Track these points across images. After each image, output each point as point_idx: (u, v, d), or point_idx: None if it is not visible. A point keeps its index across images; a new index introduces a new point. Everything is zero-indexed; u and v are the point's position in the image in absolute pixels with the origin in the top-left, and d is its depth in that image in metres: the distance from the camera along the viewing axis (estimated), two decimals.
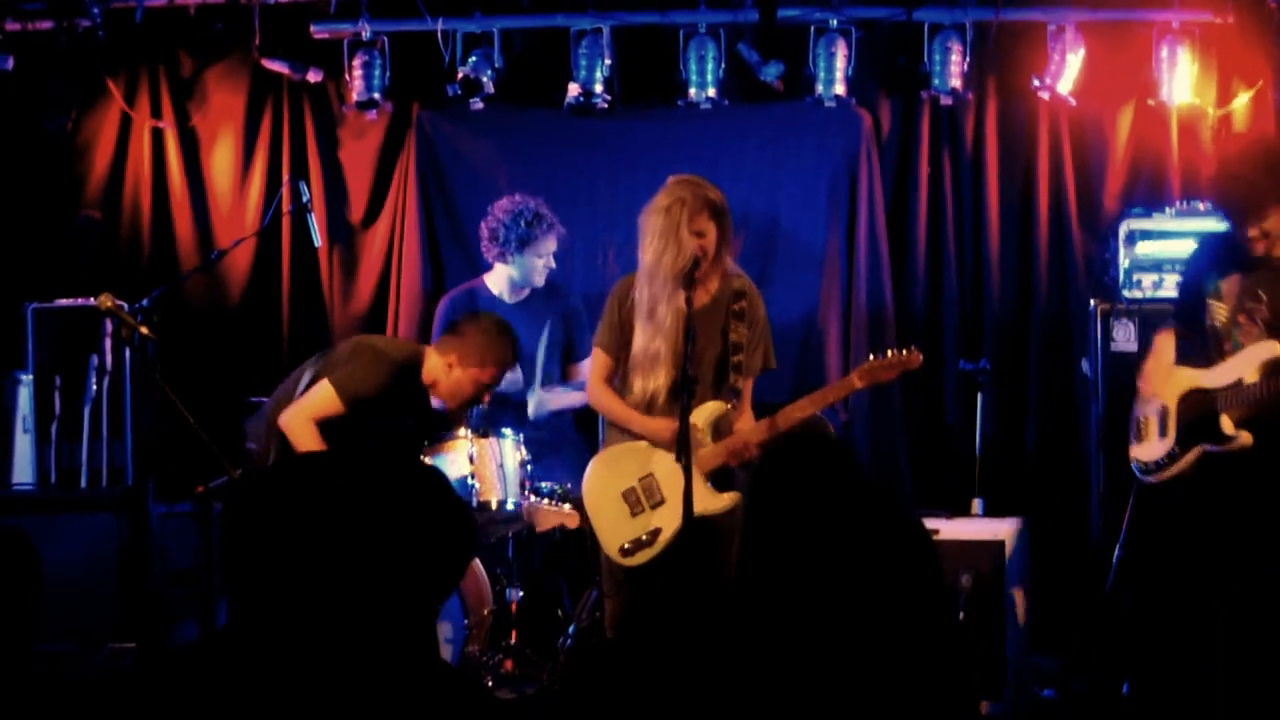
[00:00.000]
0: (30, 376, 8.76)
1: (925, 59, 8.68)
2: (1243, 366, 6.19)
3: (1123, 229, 8.11)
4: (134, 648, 7.59)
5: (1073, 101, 8.60)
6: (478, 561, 7.51)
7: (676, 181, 6.54)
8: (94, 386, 8.69)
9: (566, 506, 7.65)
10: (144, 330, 6.54)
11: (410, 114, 9.29)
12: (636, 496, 6.53)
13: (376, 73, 9.01)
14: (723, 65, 8.86)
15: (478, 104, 8.96)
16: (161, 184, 9.47)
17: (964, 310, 8.93)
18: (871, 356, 6.51)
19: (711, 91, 8.85)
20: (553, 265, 8.25)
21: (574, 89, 8.88)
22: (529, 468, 7.64)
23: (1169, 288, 7.73)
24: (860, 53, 8.78)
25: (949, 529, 7.50)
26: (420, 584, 2.91)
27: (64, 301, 8.79)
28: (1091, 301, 8.04)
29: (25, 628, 3.62)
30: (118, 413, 8.73)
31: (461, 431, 7.63)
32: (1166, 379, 6.44)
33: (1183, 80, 8.48)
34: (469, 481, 7.53)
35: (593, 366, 6.80)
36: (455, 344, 7.21)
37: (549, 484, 7.84)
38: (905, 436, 8.88)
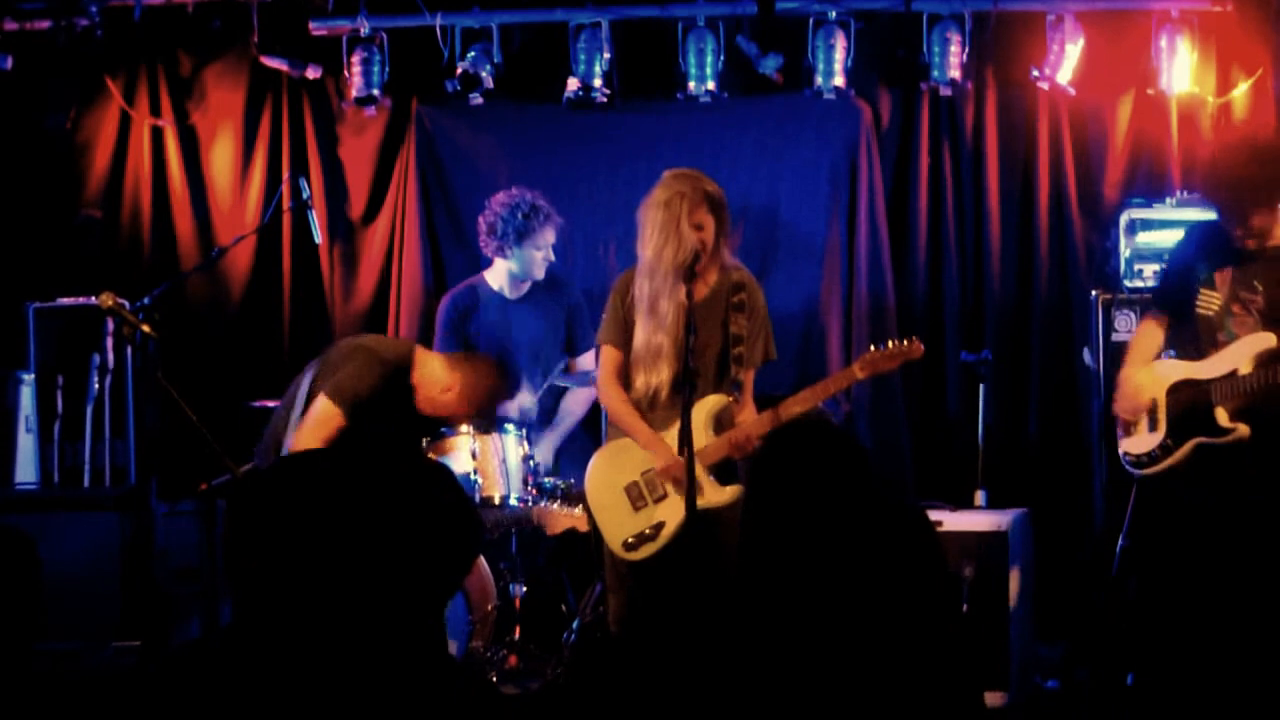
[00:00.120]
0: (32, 376, 8.77)
1: (924, 50, 8.67)
2: (1237, 358, 6.15)
3: (1124, 219, 8.10)
4: (138, 646, 7.59)
5: (1072, 91, 8.59)
6: (481, 557, 7.50)
7: (674, 175, 6.53)
8: (96, 385, 8.70)
9: (578, 510, 7.64)
10: (145, 328, 6.53)
11: (410, 110, 9.29)
12: (639, 491, 6.52)
13: (375, 69, 9.01)
14: (722, 58, 8.85)
15: (477, 99, 8.95)
16: (161, 182, 9.47)
17: (965, 301, 8.92)
18: (873, 347, 6.51)
19: (711, 84, 8.84)
20: (552, 258, 8.25)
21: (573, 83, 8.88)
22: (532, 463, 7.64)
23: None
24: (859, 44, 8.77)
25: (952, 520, 7.50)
26: (427, 580, 2.92)
27: (65, 301, 8.79)
28: (1093, 292, 8.03)
29: (25, 627, 3.62)
30: (120, 411, 8.73)
31: (464, 428, 7.63)
32: (1152, 370, 6.40)
33: (1182, 69, 8.46)
34: (472, 477, 7.54)
35: (602, 363, 6.77)
36: (466, 374, 7.13)
37: (552, 480, 7.84)
38: (907, 428, 8.88)
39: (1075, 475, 8.40)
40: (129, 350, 8.52)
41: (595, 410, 8.20)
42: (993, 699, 7.24)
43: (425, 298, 9.07)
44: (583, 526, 7.53)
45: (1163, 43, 8.46)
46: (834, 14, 8.72)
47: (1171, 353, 6.48)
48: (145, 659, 6.89)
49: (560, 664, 7.41)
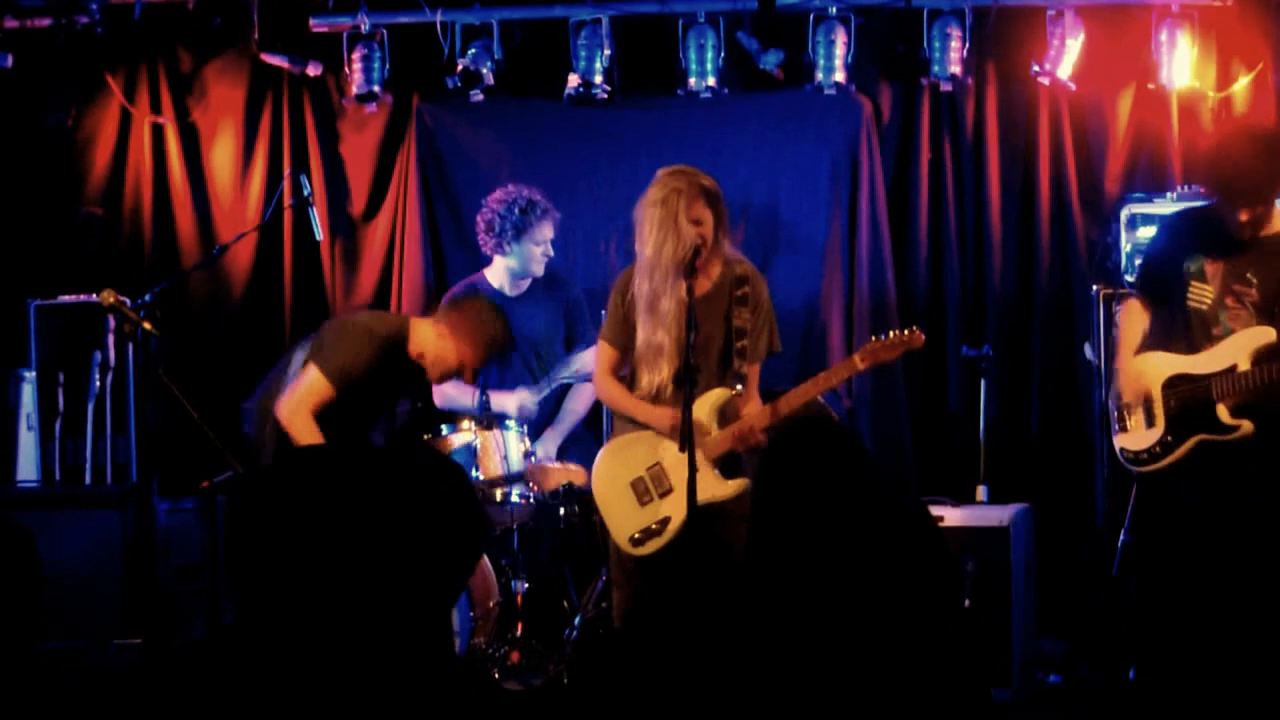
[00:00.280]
0: (33, 373, 8.77)
1: (925, 45, 8.67)
2: (1235, 352, 6.12)
3: (1124, 213, 8.10)
4: (140, 644, 7.60)
5: (1073, 86, 8.59)
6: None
7: (669, 173, 6.52)
8: (97, 383, 8.70)
9: (573, 465, 7.66)
10: (147, 326, 6.54)
11: (410, 106, 9.29)
12: (645, 485, 6.52)
13: (376, 65, 9.01)
14: (722, 54, 8.85)
15: (478, 96, 8.96)
16: (162, 179, 9.47)
17: (966, 296, 8.92)
18: (874, 337, 6.50)
19: (711, 80, 8.84)
20: (550, 253, 8.25)
21: (574, 79, 8.88)
22: (533, 459, 7.65)
23: None
24: (860, 39, 8.77)
25: (954, 515, 7.51)
26: (432, 578, 2.92)
27: (66, 298, 8.80)
28: (1094, 286, 8.03)
29: (26, 625, 3.62)
30: (121, 409, 8.73)
31: (465, 424, 7.64)
32: (1146, 363, 6.38)
33: (1182, 63, 8.46)
34: (473, 473, 7.54)
35: (598, 359, 6.78)
36: (449, 316, 7.13)
37: None
38: (909, 424, 8.88)
39: (1077, 470, 8.40)
40: (130, 348, 8.52)
41: (598, 408, 8.20)
42: (995, 694, 7.25)
43: (426, 294, 9.07)
44: (578, 480, 7.55)
45: (1163, 37, 8.46)
46: (834, 9, 8.71)
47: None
48: (146, 657, 6.90)
49: (562, 660, 7.41)
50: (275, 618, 2.82)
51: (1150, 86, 8.58)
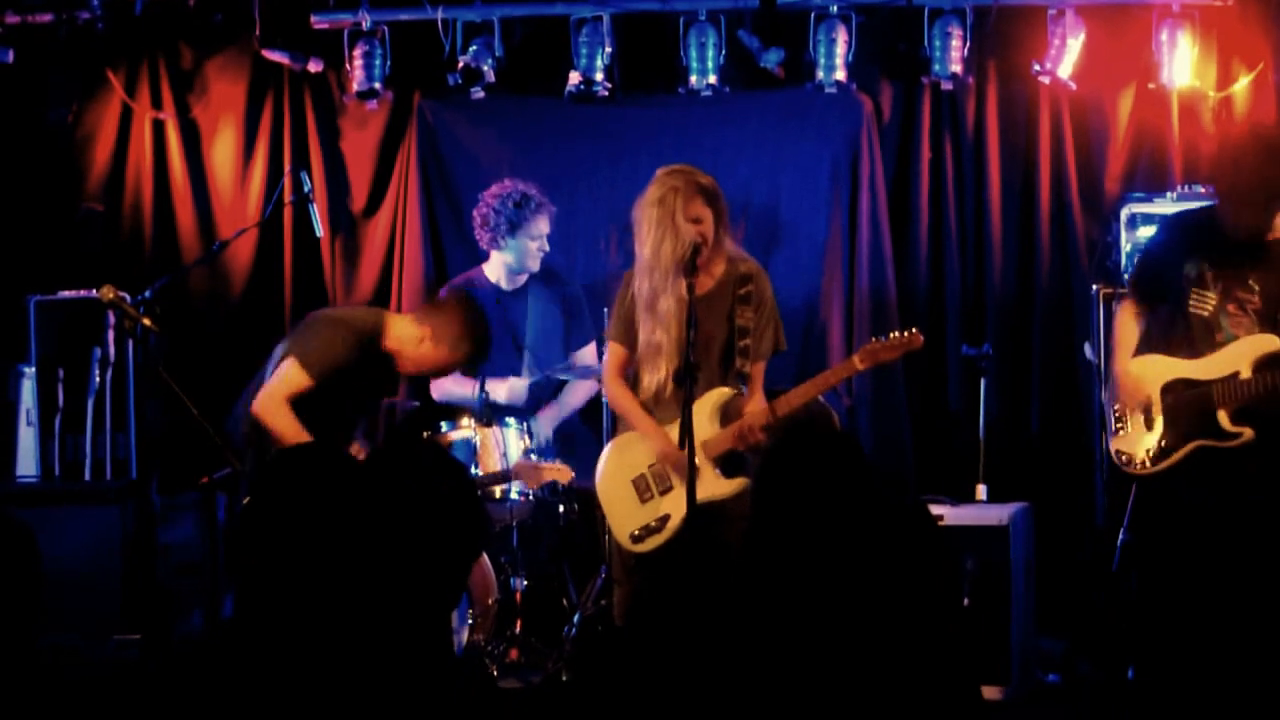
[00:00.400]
0: (33, 369, 8.77)
1: (925, 44, 8.68)
2: (1237, 360, 6.09)
3: (1124, 213, 8.11)
4: (139, 640, 7.59)
5: (1073, 85, 8.59)
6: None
7: (666, 172, 6.51)
8: (97, 378, 8.70)
9: (558, 461, 7.66)
10: (146, 322, 6.53)
11: (411, 103, 9.29)
12: (646, 483, 6.53)
13: (377, 62, 9.01)
14: (723, 52, 8.85)
15: (479, 93, 8.96)
16: (163, 175, 9.47)
17: (966, 295, 8.92)
18: (874, 339, 6.51)
19: (712, 79, 8.84)
20: (546, 248, 8.25)
21: (575, 77, 8.88)
22: (533, 457, 7.65)
23: None
24: (860, 38, 8.77)
25: (954, 514, 7.51)
26: (432, 575, 2.92)
27: (66, 294, 8.79)
28: (1094, 286, 8.03)
29: (25, 620, 3.62)
30: (121, 405, 8.73)
31: (465, 421, 7.64)
32: (1145, 367, 6.36)
33: (1183, 63, 8.47)
34: (473, 470, 7.55)
35: (606, 360, 6.79)
36: (435, 319, 7.12)
37: None
38: (909, 422, 8.88)
39: (1076, 469, 8.40)
40: (130, 343, 8.52)
41: (594, 403, 8.20)
42: (994, 693, 7.25)
43: (426, 291, 9.06)
44: (563, 478, 7.55)
45: (1164, 36, 8.47)
46: (835, 8, 8.71)
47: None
48: (146, 653, 6.90)
49: (561, 658, 7.41)
50: (276, 614, 2.83)
51: (1151, 86, 8.59)
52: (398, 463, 2.93)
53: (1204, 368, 6.16)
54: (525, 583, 7.71)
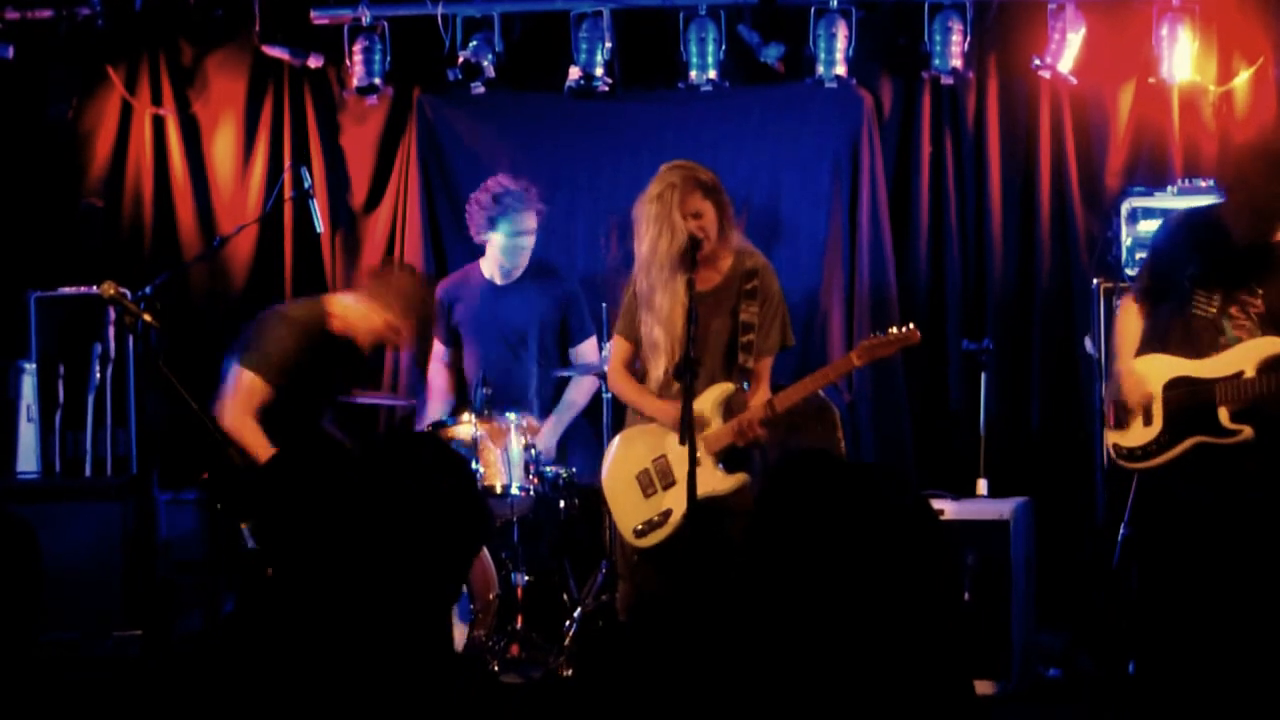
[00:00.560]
0: (34, 365, 8.78)
1: (926, 39, 8.67)
2: (1242, 360, 6.08)
3: (1125, 207, 8.10)
4: (140, 635, 7.60)
5: (1073, 80, 8.59)
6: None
7: (667, 168, 6.53)
8: (97, 374, 8.70)
9: (527, 421, 7.67)
10: (147, 318, 6.53)
11: (411, 99, 9.29)
12: (649, 478, 6.54)
13: (377, 58, 9.00)
14: (723, 47, 8.85)
15: (479, 88, 8.95)
16: (163, 171, 9.47)
17: (966, 290, 8.92)
18: (872, 334, 6.51)
19: (712, 74, 8.84)
20: (528, 245, 8.20)
21: (574, 72, 8.88)
22: (534, 452, 7.65)
23: None
24: (861, 33, 8.77)
25: (954, 509, 7.51)
26: (432, 572, 2.92)
27: (67, 290, 8.80)
28: (1094, 280, 8.03)
29: (26, 617, 3.62)
30: (122, 401, 8.74)
31: (466, 416, 7.64)
32: (1148, 365, 6.35)
33: (1183, 57, 8.46)
34: (474, 466, 7.54)
35: (612, 353, 6.82)
36: (373, 288, 7.19)
37: (553, 468, 7.86)
38: (909, 417, 8.88)
39: (1077, 464, 8.39)
40: (130, 339, 8.52)
41: (597, 400, 8.20)
42: (994, 688, 7.25)
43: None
44: (534, 435, 7.57)
45: (1164, 31, 8.46)
46: (835, 2, 8.71)
47: None
48: (147, 649, 6.90)
49: (562, 653, 7.42)
50: (276, 612, 2.83)
51: (1151, 80, 8.58)
52: (397, 458, 2.93)
53: (1208, 367, 6.15)
54: (526, 578, 7.71)
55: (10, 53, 9.11)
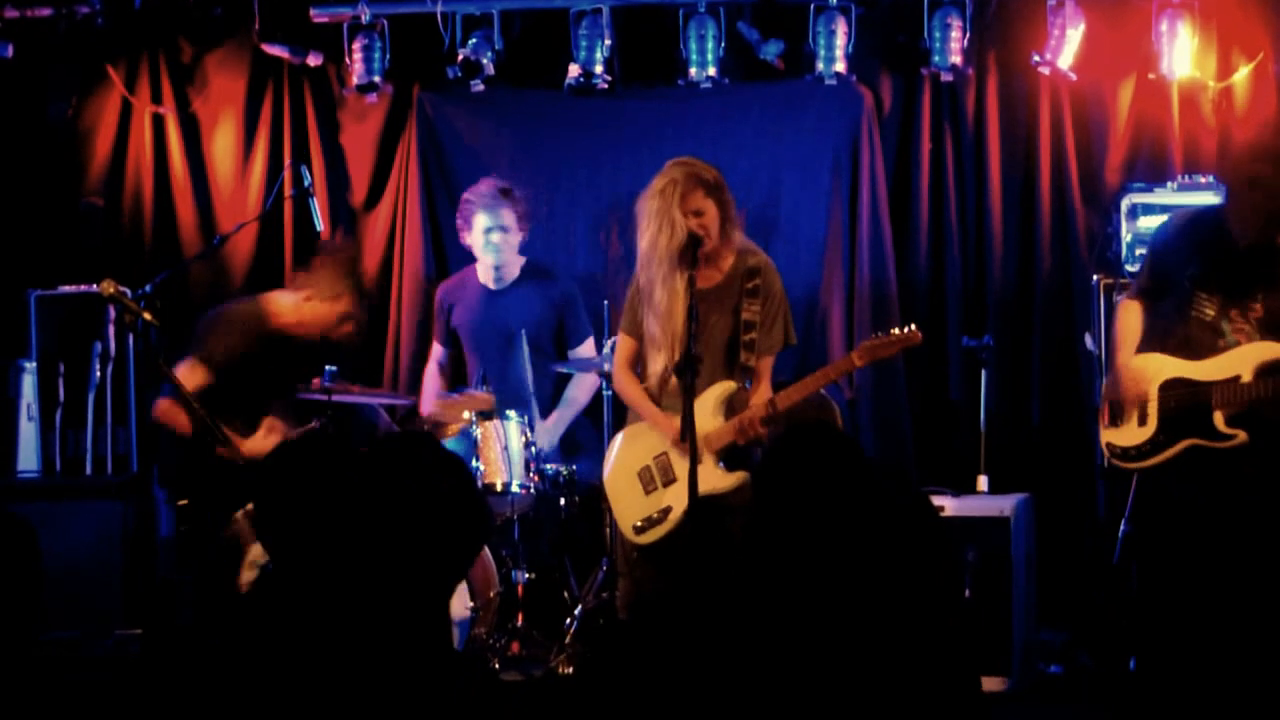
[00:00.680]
0: (34, 363, 8.78)
1: (925, 35, 8.66)
2: (1239, 364, 6.06)
3: (1125, 203, 8.10)
4: (140, 634, 7.61)
5: (1073, 76, 8.58)
6: None
7: (671, 164, 6.54)
8: (98, 373, 8.71)
9: (478, 393, 7.67)
10: (147, 316, 6.55)
11: (411, 97, 9.28)
12: (650, 474, 6.55)
13: (376, 55, 9.00)
14: (723, 44, 8.84)
15: (478, 86, 8.94)
16: (163, 170, 9.46)
17: (967, 287, 8.91)
18: (873, 335, 6.51)
19: (712, 71, 8.83)
20: (495, 241, 8.17)
21: (574, 70, 8.87)
22: (534, 449, 7.65)
23: None
24: (860, 30, 8.76)
25: (955, 506, 7.51)
26: (432, 570, 2.92)
27: (67, 288, 8.81)
28: (1094, 276, 8.04)
29: (26, 615, 3.62)
30: (122, 399, 8.74)
31: (466, 414, 7.64)
32: (1146, 364, 6.34)
33: (1183, 53, 8.45)
34: (474, 464, 7.55)
35: (617, 351, 6.84)
36: (308, 280, 7.26)
37: (554, 466, 7.86)
38: (910, 414, 8.87)
39: (1077, 461, 8.40)
40: (130, 338, 8.53)
41: (599, 398, 8.20)
42: (995, 684, 7.26)
43: (426, 284, 9.06)
44: (485, 406, 7.57)
45: (1163, 27, 8.45)
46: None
47: None
48: (147, 648, 6.91)
49: (563, 651, 7.42)
50: (276, 610, 2.83)
51: (1151, 76, 8.57)
52: (397, 458, 2.93)
53: (1205, 369, 6.14)
54: (527, 576, 7.72)
55: (10, 51, 9.11)
